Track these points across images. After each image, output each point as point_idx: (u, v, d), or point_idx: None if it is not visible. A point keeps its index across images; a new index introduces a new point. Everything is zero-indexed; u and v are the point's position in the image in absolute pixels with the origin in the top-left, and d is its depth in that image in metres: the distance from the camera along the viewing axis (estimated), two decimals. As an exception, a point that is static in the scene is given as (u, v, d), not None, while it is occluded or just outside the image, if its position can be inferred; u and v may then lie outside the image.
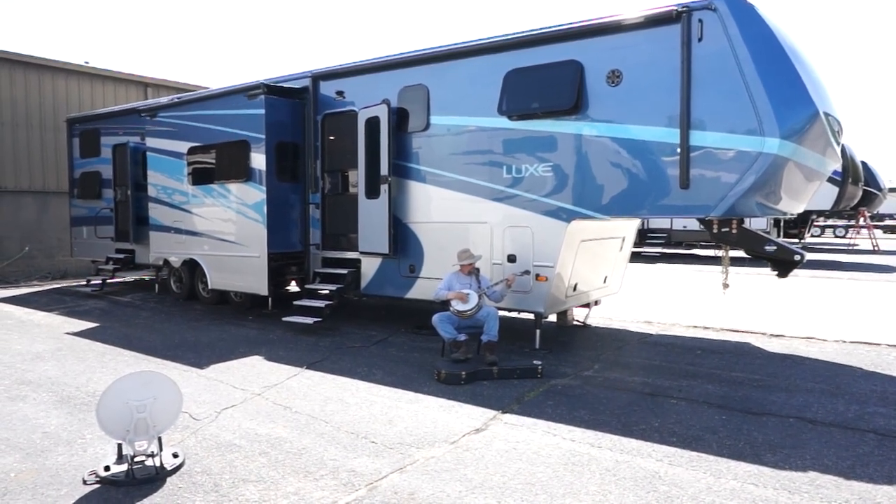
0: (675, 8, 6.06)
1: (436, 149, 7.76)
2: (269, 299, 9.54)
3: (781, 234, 21.95)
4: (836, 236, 34.08)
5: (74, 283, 14.08)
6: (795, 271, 7.53)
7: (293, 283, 10.64)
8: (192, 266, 10.43)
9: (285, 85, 9.08)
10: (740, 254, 8.63)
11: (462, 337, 6.41)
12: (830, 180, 19.21)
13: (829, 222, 33.72)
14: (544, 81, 6.85)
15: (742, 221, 6.72)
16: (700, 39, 5.98)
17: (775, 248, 6.69)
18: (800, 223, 22.69)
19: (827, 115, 6.06)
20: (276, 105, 8.84)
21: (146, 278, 13.85)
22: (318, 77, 8.96)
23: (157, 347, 7.51)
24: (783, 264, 6.88)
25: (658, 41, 6.21)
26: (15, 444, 4.46)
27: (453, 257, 6.83)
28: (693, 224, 18.50)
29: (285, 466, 4.04)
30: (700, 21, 5.98)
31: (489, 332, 6.36)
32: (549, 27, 6.88)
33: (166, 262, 10.82)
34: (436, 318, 6.48)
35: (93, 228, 13.04)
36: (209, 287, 10.00)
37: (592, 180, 6.60)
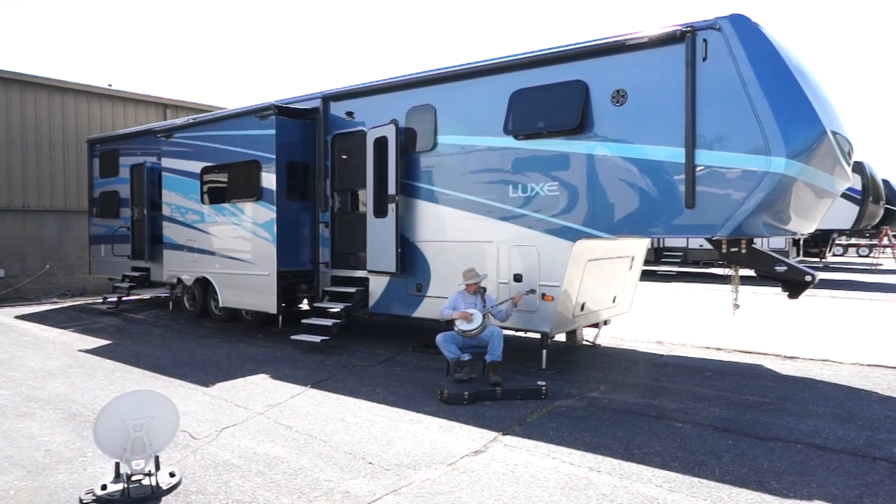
0: (680, 28, 6.06)
1: (443, 168, 7.81)
2: (279, 317, 9.60)
3: (801, 253, 21.59)
4: (860, 255, 33.39)
5: (92, 300, 14.32)
6: (815, 291, 7.38)
7: (305, 301, 10.70)
8: (204, 284, 10.55)
9: (296, 106, 9.22)
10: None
11: (466, 357, 6.38)
12: (851, 199, 18.93)
13: (853, 241, 33.08)
14: (549, 101, 6.87)
15: (751, 241, 6.64)
16: (705, 59, 5.96)
17: (785, 268, 6.58)
18: (820, 242, 22.31)
19: (835, 133, 5.98)
20: (286, 125, 8.97)
21: (161, 296, 14.04)
22: (328, 98, 9.09)
23: (166, 365, 7.58)
24: (794, 285, 6.75)
25: (663, 61, 6.20)
26: (17, 461, 4.51)
27: (460, 276, 6.82)
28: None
29: (280, 487, 4.03)
30: (705, 41, 5.97)
31: (493, 351, 6.31)
32: (555, 48, 6.92)
33: (180, 279, 10.98)
34: (440, 338, 6.46)
35: (110, 247, 13.29)
36: (220, 305, 10.09)
37: (597, 200, 6.57)
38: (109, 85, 17.06)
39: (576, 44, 6.77)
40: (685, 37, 6.04)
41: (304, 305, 10.98)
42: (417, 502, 3.79)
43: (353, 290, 8.69)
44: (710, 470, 4.24)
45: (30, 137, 15.27)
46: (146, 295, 14.27)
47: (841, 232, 22.04)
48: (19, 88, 15.05)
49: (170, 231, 10.89)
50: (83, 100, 16.21)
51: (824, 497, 3.81)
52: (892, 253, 25.20)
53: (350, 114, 8.79)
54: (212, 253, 10.05)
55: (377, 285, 8.53)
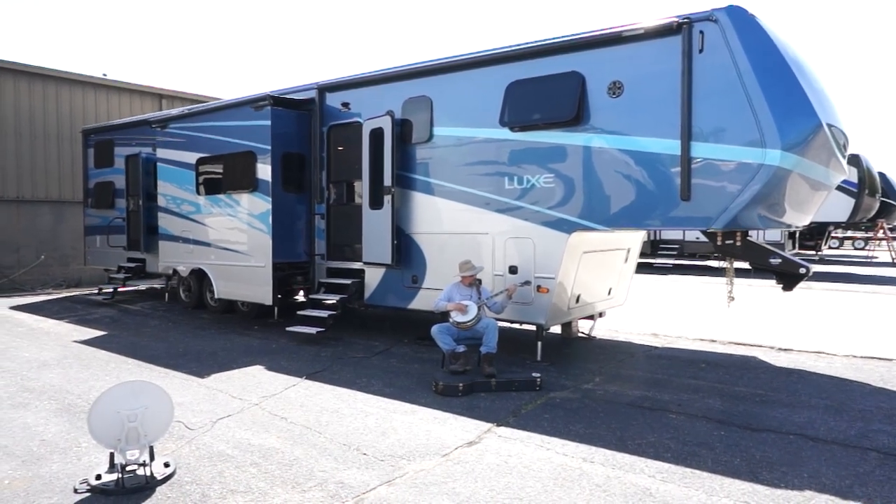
0: (677, 19, 6.04)
1: (438, 160, 7.78)
2: (275, 309, 9.60)
3: (797, 246, 21.66)
4: (856, 248, 33.51)
5: (87, 291, 14.29)
6: (810, 284, 7.41)
7: (301, 292, 10.69)
8: (200, 275, 10.53)
9: (292, 96, 9.18)
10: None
11: (461, 348, 6.39)
12: (847, 192, 18.98)
13: (849, 234, 33.22)
14: (546, 93, 6.85)
15: (746, 233, 6.64)
16: (701, 51, 5.94)
17: (780, 260, 6.59)
18: (816, 235, 22.39)
19: (831, 126, 5.98)
20: (282, 116, 8.93)
21: (157, 287, 14.01)
22: (325, 89, 9.04)
23: (161, 356, 7.58)
24: (788, 277, 6.77)
25: (659, 53, 6.18)
26: (12, 451, 4.52)
27: (455, 268, 6.82)
28: (705, 235, 18.34)
29: (274, 478, 4.04)
30: (701, 32, 5.95)
31: (488, 343, 6.33)
32: (551, 39, 6.88)
33: (175, 271, 10.95)
34: (435, 330, 6.47)
35: (105, 237, 13.24)
36: (216, 296, 10.08)
37: (593, 192, 6.56)
38: (104, 75, 16.96)
39: (572, 35, 6.73)
40: (682, 28, 6.01)
41: (300, 297, 10.98)
42: (411, 493, 3.81)
43: (348, 281, 8.69)
44: (702, 460, 4.26)
45: (24, 127, 15.17)
46: (142, 286, 14.24)
47: (837, 224, 22.11)
48: (13, 78, 14.93)
49: (165, 222, 10.86)
50: (78, 90, 16.09)
51: (815, 487, 3.84)
52: (888, 245, 25.30)
53: (346, 105, 8.76)
54: (207, 244, 10.03)
55: (373, 277, 8.52)
